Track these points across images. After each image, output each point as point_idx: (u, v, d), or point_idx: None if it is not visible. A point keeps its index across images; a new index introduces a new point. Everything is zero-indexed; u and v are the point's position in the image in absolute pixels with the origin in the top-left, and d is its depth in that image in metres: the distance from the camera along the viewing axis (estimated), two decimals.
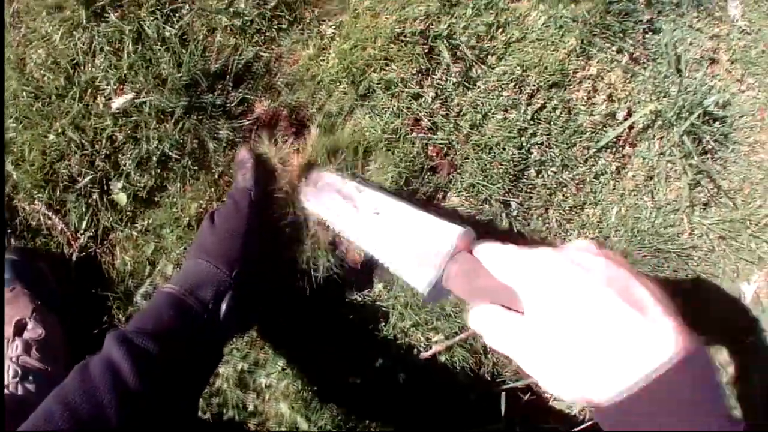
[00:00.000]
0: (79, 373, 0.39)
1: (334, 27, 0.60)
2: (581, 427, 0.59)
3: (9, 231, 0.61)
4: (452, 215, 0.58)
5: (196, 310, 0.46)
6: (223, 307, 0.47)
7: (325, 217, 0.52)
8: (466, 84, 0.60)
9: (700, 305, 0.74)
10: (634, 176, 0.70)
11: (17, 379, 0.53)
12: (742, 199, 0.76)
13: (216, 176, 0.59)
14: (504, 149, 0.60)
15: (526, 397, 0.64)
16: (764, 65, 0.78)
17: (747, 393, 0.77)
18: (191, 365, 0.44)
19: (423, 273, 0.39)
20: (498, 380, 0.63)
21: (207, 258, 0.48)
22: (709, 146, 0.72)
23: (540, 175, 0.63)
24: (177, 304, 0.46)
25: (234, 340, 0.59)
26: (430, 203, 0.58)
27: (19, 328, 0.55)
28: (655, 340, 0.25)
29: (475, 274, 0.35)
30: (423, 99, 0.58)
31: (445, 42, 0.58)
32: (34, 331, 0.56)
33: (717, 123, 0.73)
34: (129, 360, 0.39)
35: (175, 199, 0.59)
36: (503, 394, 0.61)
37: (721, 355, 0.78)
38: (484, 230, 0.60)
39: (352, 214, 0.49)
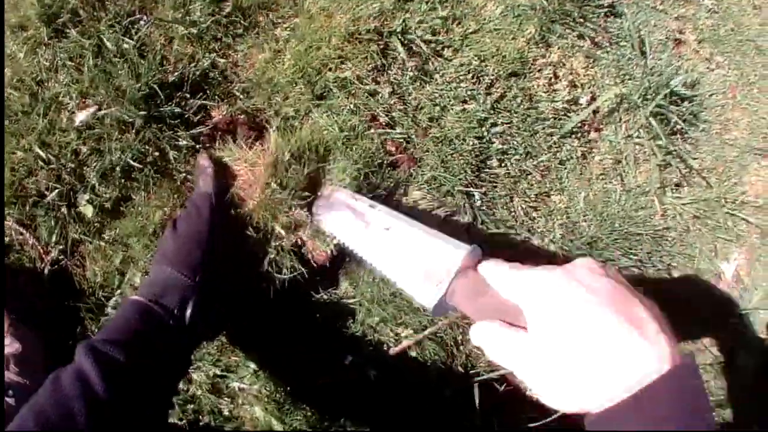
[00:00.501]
0: (51, 383, 0.41)
1: (288, 29, 0.60)
2: (555, 416, 0.60)
3: None
4: (460, 233, 0.58)
5: (162, 317, 0.47)
6: (188, 312, 0.48)
7: (333, 232, 0.53)
8: (423, 78, 0.60)
9: (679, 287, 0.74)
10: (601, 161, 0.70)
11: None
12: (716, 177, 0.76)
13: (178, 183, 0.60)
14: (464, 140, 0.61)
15: (502, 389, 0.64)
16: (734, 43, 0.78)
17: (733, 374, 0.77)
18: (158, 372, 0.45)
19: (429, 289, 0.41)
20: (471, 372, 0.63)
21: (170, 264, 0.49)
22: (678, 126, 0.72)
23: (503, 165, 0.64)
24: (143, 311, 0.47)
25: (205, 345, 0.60)
26: (391, 199, 0.59)
27: None
28: (648, 354, 0.28)
29: (480, 292, 0.36)
30: (380, 95, 0.59)
31: (399, 37, 0.59)
32: (11, 345, 0.57)
33: (686, 103, 0.73)
34: (97, 369, 0.40)
35: (140, 209, 0.60)
36: (476, 387, 0.61)
37: (705, 338, 0.77)
38: (448, 223, 0.61)
39: (362, 229, 0.50)
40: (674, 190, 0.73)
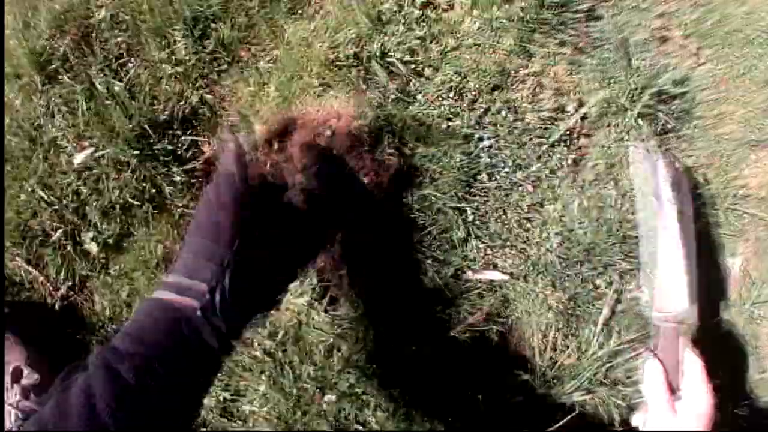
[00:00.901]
0: (56, 399, 0.40)
1: (270, 61, 0.62)
2: (564, 420, 0.60)
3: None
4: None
5: (187, 314, 0.43)
6: (218, 296, 0.44)
7: (636, 182, 0.60)
8: (405, 99, 0.61)
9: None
10: (594, 166, 0.70)
11: (19, 422, 0.58)
12: (714, 172, 0.75)
13: (177, 218, 0.62)
14: (451, 157, 0.62)
15: (513, 400, 0.65)
16: (721, 35, 0.77)
17: (746, 371, 0.76)
18: (175, 391, 0.42)
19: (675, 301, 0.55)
20: (476, 386, 0.64)
21: (202, 234, 0.46)
22: (669, 125, 0.71)
23: (493, 178, 0.64)
24: (164, 312, 0.43)
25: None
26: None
27: (16, 375, 0.60)
28: None
29: (674, 356, 0.52)
30: (364, 119, 0.60)
31: (379, 61, 0.60)
32: (30, 377, 0.61)
33: (676, 100, 0.73)
34: (108, 388, 0.39)
35: (141, 243, 0.62)
36: (480, 399, 0.62)
37: (716, 336, 0.76)
38: (442, 241, 0.62)
39: (656, 205, 0.59)
40: (673, 190, 0.72)
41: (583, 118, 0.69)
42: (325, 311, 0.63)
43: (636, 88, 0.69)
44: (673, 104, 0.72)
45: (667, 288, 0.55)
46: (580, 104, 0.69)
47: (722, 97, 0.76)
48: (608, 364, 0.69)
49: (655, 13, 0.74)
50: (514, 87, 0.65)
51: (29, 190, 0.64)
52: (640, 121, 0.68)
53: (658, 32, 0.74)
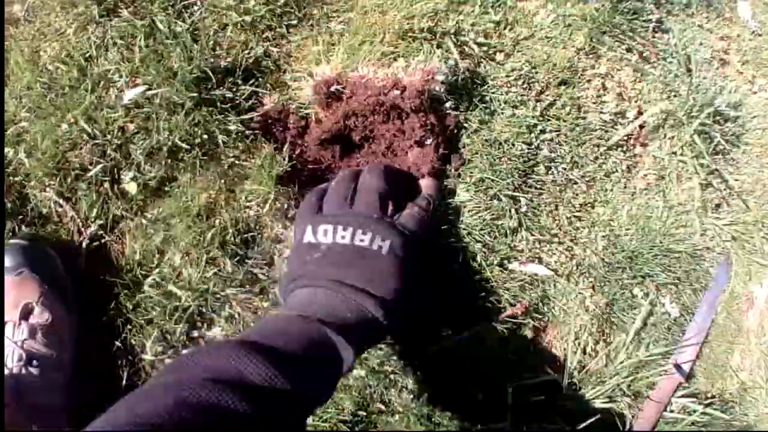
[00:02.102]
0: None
1: (342, 23, 0.62)
2: (585, 423, 0.59)
3: (20, 217, 0.63)
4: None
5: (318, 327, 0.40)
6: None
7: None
8: (475, 80, 0.61)
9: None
10: (645, 175, 0.70)
11: (21, 362, 0.55)
12: (755, 200, 0.77)
13: (226, 168, 0.60)
14: (513, 145, 0.62)
15: (534, 398, 0.64)
16: None
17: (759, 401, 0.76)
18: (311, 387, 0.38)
19: None
20: (505, 377, 0.63)
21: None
22: (721, 146, 0.73)
23: (550, 172, 0.64)
24: (292, 321, 0.40)
25: None
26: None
27: (26, 313, 0.56)
28: None
29: None
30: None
31: (453, 38, 0.60)
32: (40, 315, 0.58)
33: (729, 123, 0.74)
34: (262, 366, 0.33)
35: (184, 190, 0.60)
36: (510, 391, 0.61)
37: (732, 361, 0.77)
38: (493, 227, 0.61)
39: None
40: (714, 210, 0.73)
41: (641, 126, 0.70)
42: None
43: (695, 105, 0.70)
44: (727, 126, 0.73)
45: None
46: (640, 112, 0.70)
47: None
48: (633, 376, 0.69)
49: (718, 35, 0.76)
50: (580, 85, 0.66)
51: (72, 120, 0.61)
52: (696, 137, 0.69)
53: (719, 54, 0.76)
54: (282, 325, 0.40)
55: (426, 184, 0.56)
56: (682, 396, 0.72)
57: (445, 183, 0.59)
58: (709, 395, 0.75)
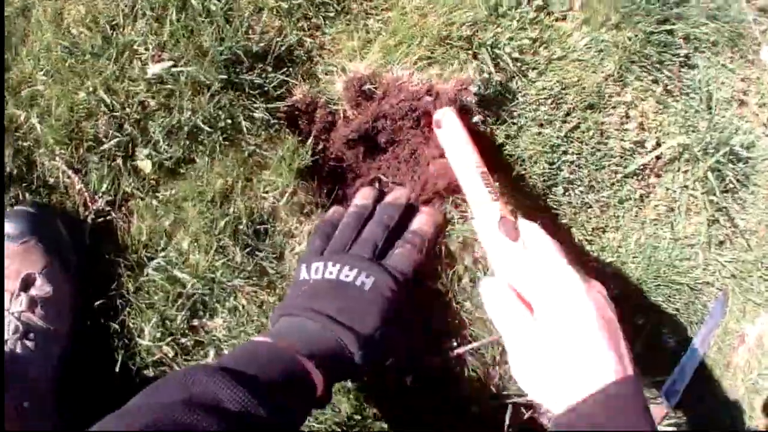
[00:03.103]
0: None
1: (381, 22, 0.61)
2: None
3: (24, 184, 0.60)
4: None
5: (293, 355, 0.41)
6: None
7: None
8: (506, 95, 0.61)
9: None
10: (656, 206, 0.72)
11: (18, 335, 0.53)
12: (757, 240, 0.79)
13: (246, 155, 0.59)
14: (536, 163, 0.62)
15: (528, 414, 0.65)
16: None
17: None
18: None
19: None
20: (504, 393, 0.63)
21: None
22: (731, 185, 0.74)
23: (567, 194, 0.65)
24: (269, 348, 0.41)
25: None
26: None
27: (27, 284, 0.54)
28: (612, 367, 0.35)
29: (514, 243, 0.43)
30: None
31: (489, 51, 0.60)
32: (41, 288, 0.56)
33: (741, 163, 0.76)
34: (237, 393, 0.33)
35: (201, 173, 0.59)
36: (510, 408, 0.62)
37: (719, 397, 0.79)
38: None
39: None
40: (718, 247, 0.75)
41: (658, 157, 0.71)
42: None
43: (711, 143, 0.71)
44: (738, 166, 0.75)
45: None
46: (658, 144, 0.71)
47: None
48: None
49: (740, 76, 0.77)
50: (606, 110, 0.66)
51: (91, 89, 0.59)
52: (709, 174, 0.70)
53: (738, 95, 0.77)
54: (258, 351, 0.41)
55: (422, 218, 0.55)
56: (669, 425, 0.74)
57: (447, 214, 0.58)
58: (694, 426, 0.77)
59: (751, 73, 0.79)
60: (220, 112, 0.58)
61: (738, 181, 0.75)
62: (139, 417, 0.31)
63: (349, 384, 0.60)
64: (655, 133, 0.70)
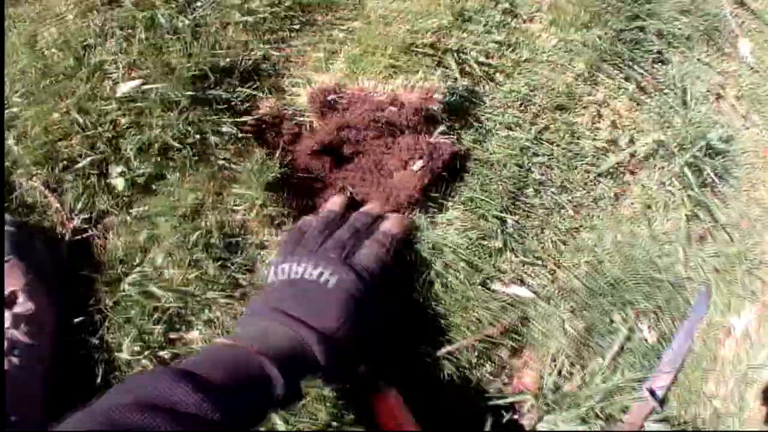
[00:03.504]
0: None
1: (346, 32, 0.61)
2: None
3: (5, 204, 0.62)
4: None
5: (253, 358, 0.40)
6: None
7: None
8: (473, 99, 0.61)
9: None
10: (632, 204, 0.71)
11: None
12: (739, 234, 0.78)
13: (215, 169, 0.60)
14: (505, 166, 0.62)
15: (508, 416, 0.65)
16: None
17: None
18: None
19: None
20: (485, 396, 0.64)
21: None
22: (710, 179, 0.73)
23: (538, 195, 0.65)
24: (230, 349, 0.41)
25: None
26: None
27: (10, 301, 0.56)
28: None
29: None
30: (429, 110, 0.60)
31: (455, 56, 0.60)
32: (23, 305, 0.57)
33: (719, 157, 0.75)
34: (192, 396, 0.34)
35: (173, 188, 0.60)
36: (487, 409, 0.62)
37: (707, 390, 0.79)
38: (479, 247, 0.62)
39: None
40: (698, 242, 0.74)
41: (632, 155, 0.70)
42: None
43: (687, 138, 0.70)
44: (717, 160, 0.74)
45: None
46: (632, 141, 0.70)
47: (760, 164, 0.79)
48: (608, 399, 0.70)
49: (716, 69, 0.77)
50: (576, 110, 0.66)
51: (64, 110, 0.60)
52: (686, 169, 0.70)
53: (715, 89, 0.76)
54: (219, 354, 0.41)
55: (388, 221, 0.55)
56: (656, 421, 0.73)
57: (416, 219, 0.58)
58: (683, 421, 0.77)
59: (728, 66, 0.78)
60: (189, 128, 0.59)
61: (717, 175, 0.74)
62: (97, 416, 0.31)
63: (326, 391, 0.61)
64: (629, 130, 0.70)
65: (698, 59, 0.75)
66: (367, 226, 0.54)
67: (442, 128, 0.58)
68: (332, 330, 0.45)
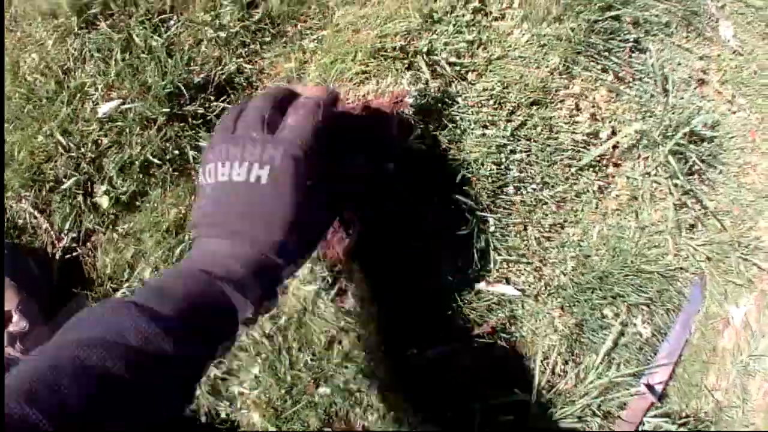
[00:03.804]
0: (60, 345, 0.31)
1: (315, 41, 0.62)
2: None
3: None
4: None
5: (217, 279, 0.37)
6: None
7: None
8: (446, 100, 0.61)
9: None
10: (617, 196, 0.70)
11: None
12: (731, 220, 0.76)
13: (195, 184, 0.61)
14: (482, 165, 0.61)
15: (503, 418, 0.64)
16: (756, 86, 0.78)
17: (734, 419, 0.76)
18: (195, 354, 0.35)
19: None
20: (473, 397, 0.63)
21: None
22: (696, 167, 0.72)
23: (519, 192, 0.64)
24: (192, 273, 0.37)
25: None
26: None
27: (5, 320, 0.57)
28: None
29: None
30: (402, 112, 0.60)
31: (425, 58, 0.60)
32: (18, 323, 0.58)
33: (705, 143, 0.73)
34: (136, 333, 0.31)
35: (155, 205, 0.61)
36: (477, 411, 0.61)
37: (709, 382, 0.77)
38: (462, 247, 0.61)
39: None
40: (689, 231, 0.73)
41: (615, 147, 0.69)
42: (332, 301, 0.62)
43: (670, 125, 0.69)
44: (703, 146, 0.73)
45: None
46: (614, 132, 0.69)
47: (749, 147, 0.77)
48: (604, 396, 0.69)
49: (698, 54, 0.75)
50: (553, 105, 0.65)
51: (48, 132, 0.62)
52: (670, 158, 0.69)
53: (697, 74, 0.75)
54: (176, 281, 0.37)
55: (309, 91, 0.46)
56: (656, 416, 0.72)
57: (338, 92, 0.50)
58: (684, 415, 0.75)
59: (710, 51, 0.77)
60: (168, 144, 0.60)
61: (703, 161, 0.73)
62: (43, 359, 0.30)
63: (316, 398, 0.61)
64: (609, 122, 0.69)
65: (678, 45, 0.74)
66: (286, 96, 0.44)
67: (416, 132, 0.57)
68: (280, 230, 0.39)
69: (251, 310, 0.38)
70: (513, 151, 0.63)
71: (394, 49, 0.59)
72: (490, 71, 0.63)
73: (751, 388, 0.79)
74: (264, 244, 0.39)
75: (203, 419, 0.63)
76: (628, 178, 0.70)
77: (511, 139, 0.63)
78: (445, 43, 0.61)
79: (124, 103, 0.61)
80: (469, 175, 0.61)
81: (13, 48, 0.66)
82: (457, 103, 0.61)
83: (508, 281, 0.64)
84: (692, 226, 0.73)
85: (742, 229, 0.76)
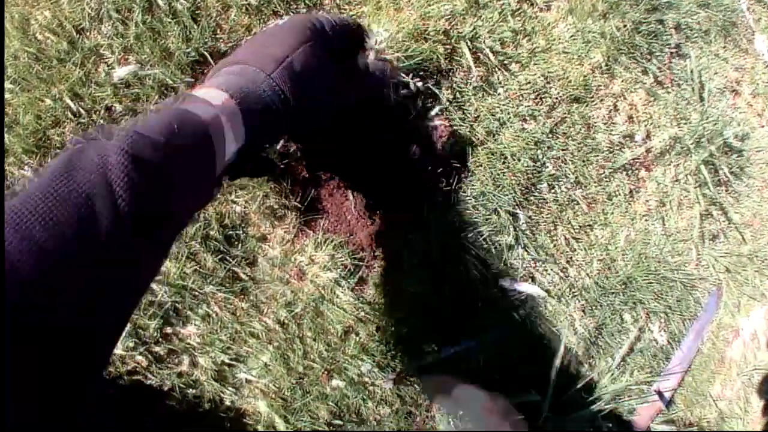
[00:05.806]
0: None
1: (354, 16, 0.55)
2: None
3: None
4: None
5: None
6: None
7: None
8: (486, 89, 0.55)
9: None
10: (646, 201, 0.66)
11: None
12: (751, 233, 0.72)
13: None
14: (519, 160, 0.56)
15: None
16: None
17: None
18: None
19: None
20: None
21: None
22: (725, 178, 0.68)
23: (552, 190, 0.59)
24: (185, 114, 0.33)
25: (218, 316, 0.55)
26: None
27: None
28: None
29: None
30: (438, 100, 0.54)
31: (468, 44, 0.54)
32: None
33: (735, 155, 0.69)
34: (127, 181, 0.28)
35: None
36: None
37: (713, 391, 0.74)
38: (490, 242, 0.56)
39: None
40: (711, 241, 0.69)
41: (648, 150, 0.65)
42: (351, 290, 0.57)
43: (704, 135, 0.65)
44: (733, 158, 0.69)
45: None
46: (648, 136, 0.65)
47: None
48: (616, 400, 0.65)
49: (733, 65, 0.71)
50: (593, 103, 0.60)
51: (56, 96, 0.55)
52: (702, 167, 0.64)
53: (731, 85, 0.71)
54: (161, 121, 0.33)
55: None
56: (661, 422, 0.69)
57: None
58: (687, 422, 0.72)
59: (744, 62, 0.72)
60: None
61: (732, 173, 0.69)
62: (36, 182, 0.28)
63: (327, 389, 0.56)
64: (645, 125, 0.64)
65: (715, 54, 0.69)
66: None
67: (437, 109, 0.51)
68: (273, 59, 0.37)
69: (233, 146, 0.35)
70: (550, 148, 0.58)
71: (437, 31, 0.53)
72: (534, 63, 0.57)
73: (753, 400, 0.77)
74: (255, 68, 0.37)
75: (206, 406, 0.57)
76: (658, 183, 0.66)
77: (550, 135, 0.58)
78: (490, 31, 0.56)
79: (142, 68, 0.54)
80: (505, 170, 0.56)
81: (24, 3, 0.58)
82: (498, 93, 0.56)
83: (533, 280, 0.60)
84: (715, 236, 0.70)
85: (761, 242, 0.73)
